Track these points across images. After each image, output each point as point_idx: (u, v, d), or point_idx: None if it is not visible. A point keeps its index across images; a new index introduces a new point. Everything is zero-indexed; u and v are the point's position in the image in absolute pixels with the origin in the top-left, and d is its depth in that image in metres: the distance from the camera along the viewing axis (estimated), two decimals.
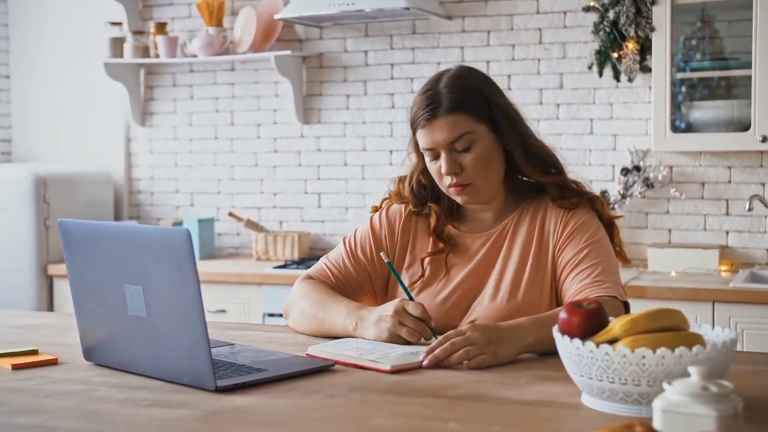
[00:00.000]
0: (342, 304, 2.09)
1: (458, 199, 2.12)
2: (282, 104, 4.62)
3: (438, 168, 2.08)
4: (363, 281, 2.22)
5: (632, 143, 4.04)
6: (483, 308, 2.10)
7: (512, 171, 2.15)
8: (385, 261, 2.10)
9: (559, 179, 2.14)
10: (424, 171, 2.17)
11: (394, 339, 1.94)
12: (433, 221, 2.19)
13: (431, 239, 2.18)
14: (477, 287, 2.14)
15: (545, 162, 2.13)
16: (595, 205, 2.16)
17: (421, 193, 2.21)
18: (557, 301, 2.12)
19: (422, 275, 2.17)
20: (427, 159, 2.11)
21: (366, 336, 1.98)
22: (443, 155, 2.06)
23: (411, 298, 2.05)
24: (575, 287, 2.04)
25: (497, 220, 2.18)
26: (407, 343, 1.93)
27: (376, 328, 1.96)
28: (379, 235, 2.23)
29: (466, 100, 2.05)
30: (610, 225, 2.20)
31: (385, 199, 2.29)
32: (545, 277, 2.11)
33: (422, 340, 1.94)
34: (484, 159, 2.06)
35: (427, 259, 2.17)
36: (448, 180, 2.08)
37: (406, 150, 2.21)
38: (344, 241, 2.27)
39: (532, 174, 2.12)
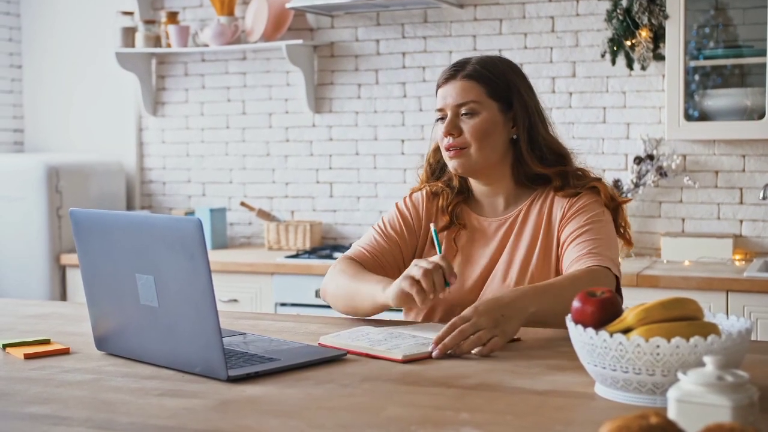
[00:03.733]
0: (375, 277, 2.13)
1: (451, 164, 2.20)
2: (293, 93, 4.61)
3: (441, 132, 2.19)
4: (396, 256, 2.28)
5: (645, 132, 4.02)
6: (493, 290, 2.15)
7: (521, 163, 2.22)
8: (432, 229, 2.10)
9: (559, 169, 2.20)
10: (436, 149, 2.31)
11: (410, 285, 1.90)
12: (442, 200, 2.29)
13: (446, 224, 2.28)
14: (491, 270, 2.21)
15: (547, 153, 2.20)
16: (600, 191, 2.20)
17: (434, 169, 2.34)
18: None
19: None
20: (437, 120, 2.21)
21: (389, 295, 1.96)
22: (448, 116, 2.17)
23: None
24: (571, 257, 2.09)
25: (509, 207, 2.26)
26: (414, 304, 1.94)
27: (398, 282, 1.94)
28: (408, 218, 2.32)
29: (487, 75, 2.17)
30: (616, 208, 2.24)
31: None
32: (551, 263, 2.17)
33: (431, 297, 1.90)
34: (483, 130, 2.16)
35: (442, 234, 2.25)
36: (446, 141, 2.18)
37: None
38: (374, 227, 2.36)
39: (532, 164, 2.19)
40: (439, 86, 2.21)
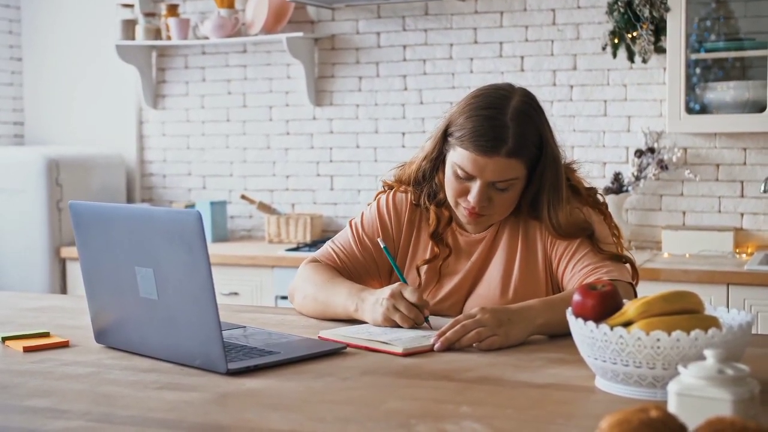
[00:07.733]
0: (344, 287, 2.07)
1: (464, 220, 2.11)
2: (294, 86, 4.60)
3: (461, 187, 2.04)
4: (368, 265, 2.21)
5: (646, 125, 4.01)
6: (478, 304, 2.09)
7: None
8: (381, 246, 2.09)
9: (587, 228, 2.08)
10: (433, 160, 2.13)
11: (389, 323, 1.92)
12: (432, 225, 2.17)
13: (429, 245, 2.17)
14: (471, 287, 2.14)
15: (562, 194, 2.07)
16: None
17: (419, 180, 2.18)
18: (556, 291, 2.12)
19: (419, 283, 2.15)
20: (455, 172, 2.04)
21: (365, 319, 1.97)
22: (478, 186, 2.01)
23: (405, 282, 2.03)
24: (579, 275, 2.03)
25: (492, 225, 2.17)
26: (402, 326, 1.92)
27: (373, 311, 1.95)
28: (386, 221, 2.22)
29: (528, 145, 2.00)
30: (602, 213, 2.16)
31: (380, 193, 2.28)
32: (537, 271, 2.10)
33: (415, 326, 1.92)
34: (513, 200, 2.06)
35: (423, 267, 2.16)
36: (466, 203, 2.05)
37: (433, 133, 2.14)
38: (350, 224, 2.26)
39: (561, 215, 2.05)
40: (469, 150, 1.98)
